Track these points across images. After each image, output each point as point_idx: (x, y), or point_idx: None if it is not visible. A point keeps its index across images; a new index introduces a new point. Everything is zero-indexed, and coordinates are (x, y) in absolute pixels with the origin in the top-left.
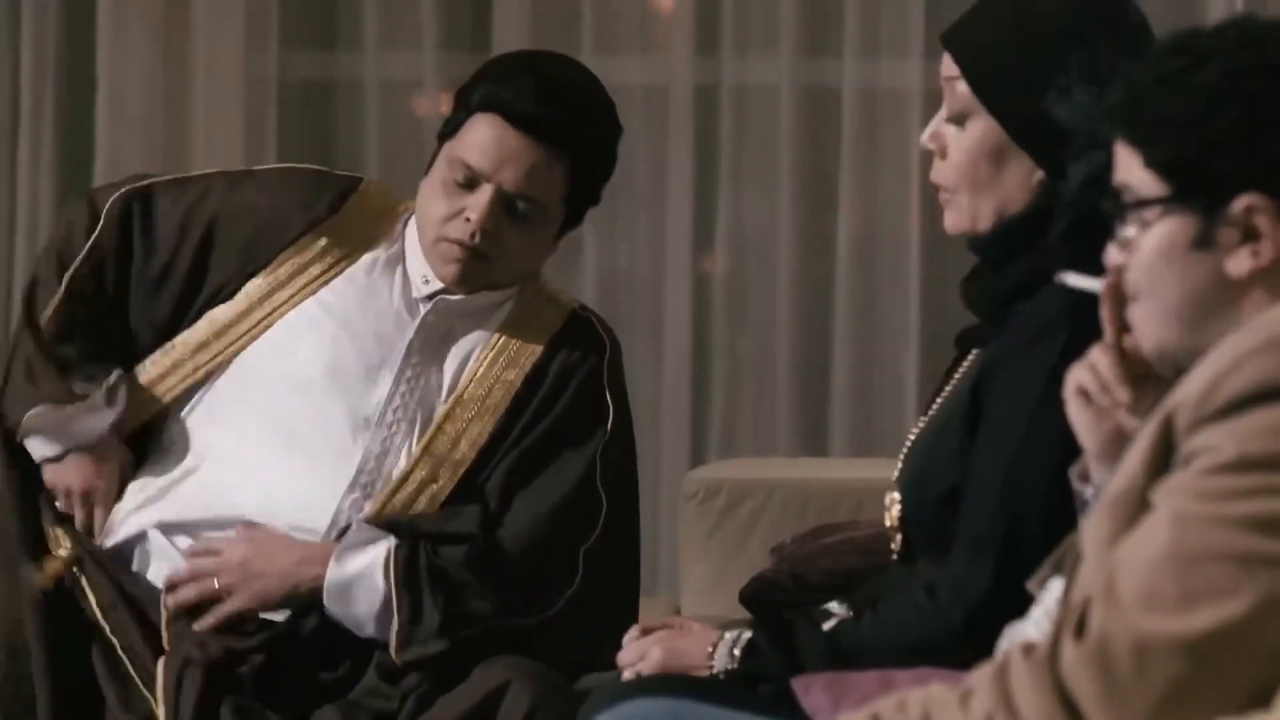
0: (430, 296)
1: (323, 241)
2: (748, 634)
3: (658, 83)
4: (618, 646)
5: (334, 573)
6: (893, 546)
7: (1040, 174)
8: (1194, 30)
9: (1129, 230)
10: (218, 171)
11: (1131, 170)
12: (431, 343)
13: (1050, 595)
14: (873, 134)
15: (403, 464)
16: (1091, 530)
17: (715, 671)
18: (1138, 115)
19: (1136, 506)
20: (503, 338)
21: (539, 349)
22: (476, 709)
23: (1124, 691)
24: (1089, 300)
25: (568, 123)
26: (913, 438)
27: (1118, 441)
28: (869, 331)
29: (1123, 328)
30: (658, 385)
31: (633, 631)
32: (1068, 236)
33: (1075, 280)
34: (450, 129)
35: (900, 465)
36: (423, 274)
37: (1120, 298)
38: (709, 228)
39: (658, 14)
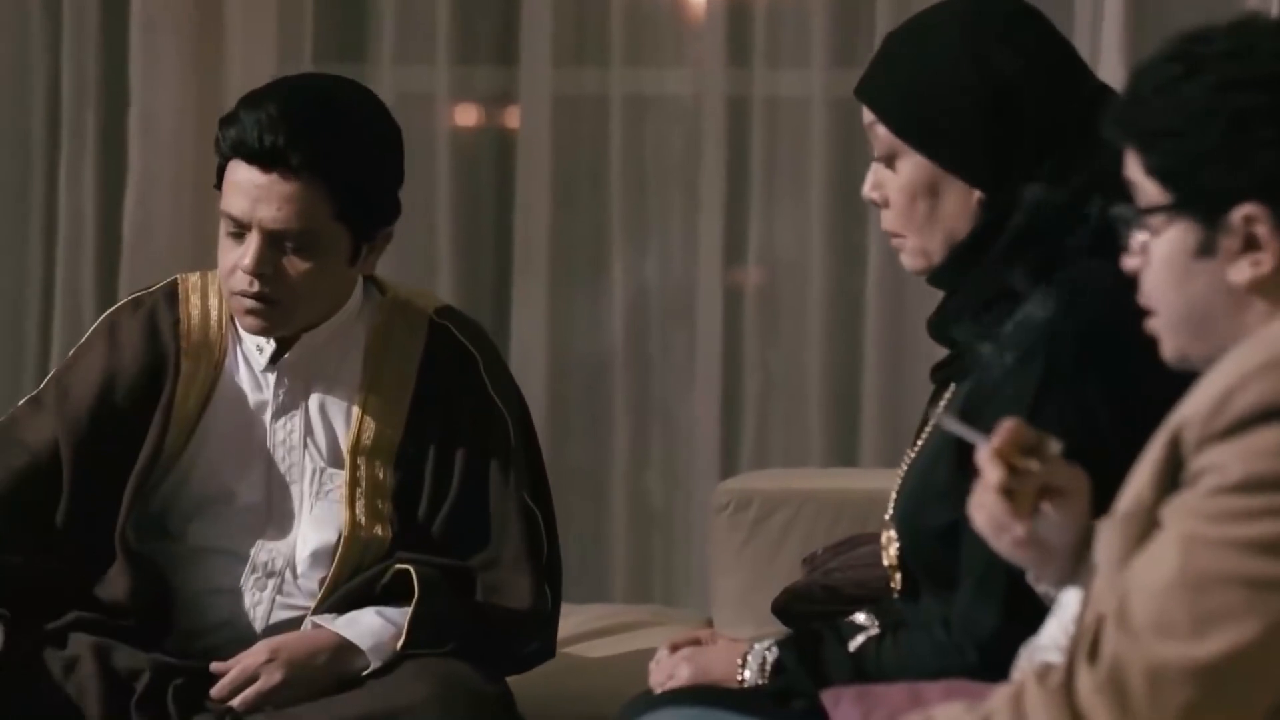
0: (274, 359)
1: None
2: (776, 651)
3: (689, 94)
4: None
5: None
6: (893, 585)
7: (978, 194)
8: (1196, 33)
9: (1142, 235)
10: (50, 378)
11: (1137, 176)
12: (293, 404)
13: (1065, 610)
14: None
15: (320, 529)
16: (1102, 548)
17: (745, 686)
18: (1137, 123)
19: (1146, 524)
20: (370, 377)
21: (411, 378)
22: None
23: (1138, 717)
24: (1064, 327)
25: (302, 144)
26: (902, 475)
27: (1022, 547)
28: (900, 342)
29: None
30: (689, 397)
31: (662, 650)
32: (1018, 244)
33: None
34: (218, 179)
35: (893, 503)
36: (255, 341)
37: (1007, 451)
38: (741, 240)
39: (689, 25)
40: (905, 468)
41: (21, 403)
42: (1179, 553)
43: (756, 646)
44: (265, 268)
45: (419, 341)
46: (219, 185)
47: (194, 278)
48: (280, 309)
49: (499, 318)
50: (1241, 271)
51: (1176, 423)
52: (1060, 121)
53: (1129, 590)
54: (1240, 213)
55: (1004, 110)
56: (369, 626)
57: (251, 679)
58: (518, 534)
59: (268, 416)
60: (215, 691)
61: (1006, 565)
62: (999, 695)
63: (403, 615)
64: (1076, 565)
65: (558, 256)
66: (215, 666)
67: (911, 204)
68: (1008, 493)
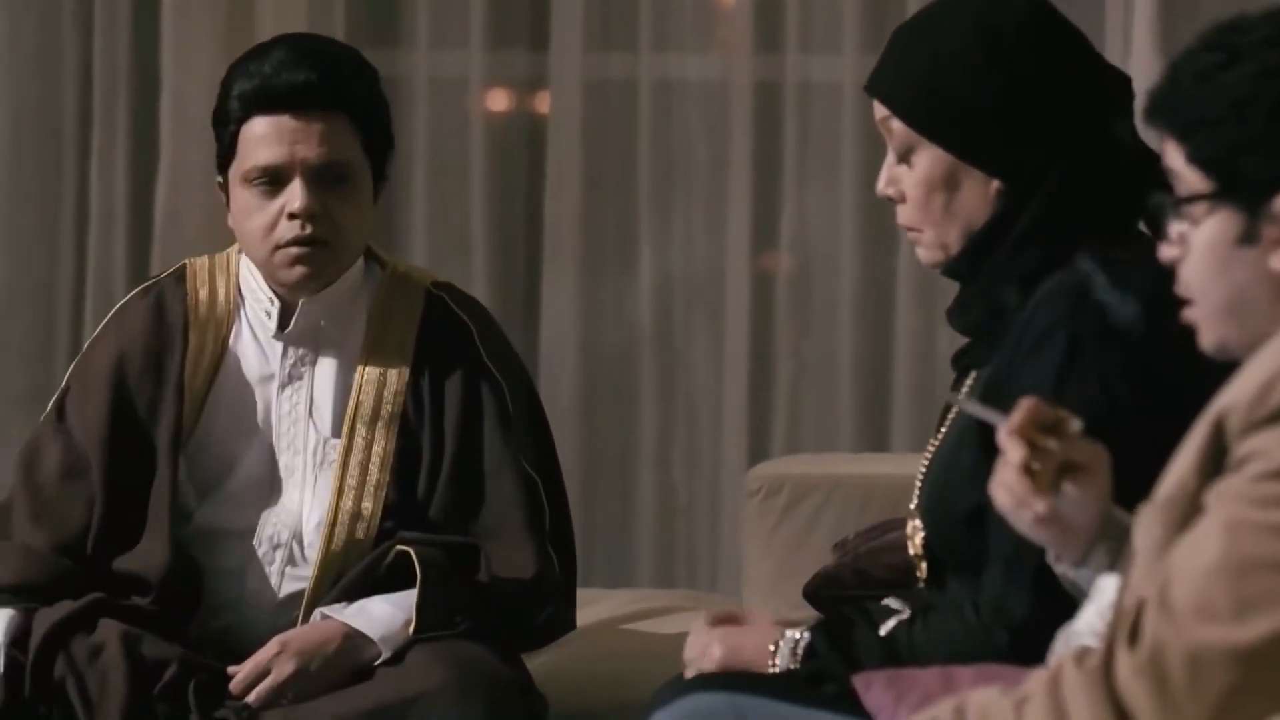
0: (282, 327)
1: (194, 344)
2: (808, 635)
3: (717, 80)
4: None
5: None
6: (919, 575)
7: (996, 183)
8: (1235, 21)
9: (1181, 225)
10: (70, 374)
11: (1177, 165)
12: (298, 376)
13: (1102, 596)
14: None
15: (322, 500)
16: (1143, 533)
17: (777, 670)
18: (1177, 112)
19: (1188, 509)
20: (370, 349)
21: (409, 349)
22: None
23: (1178, 701)
24: (1086, 299)
25: (324, 77)
26: (926, 462)
27: (1044, 524)
28: (931, 327)
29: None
30: (718, 384)
31: (699, 623)
32: (1035, 231)
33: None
34: (223, 155)
35: (917, 492)
36: (264, 309)
37: (1027, 429)
38: (772, 226)
39: (717, 10)
40: (928, 456)
41: (53, 402)
42: (1222, 537)
43: (790, 633)
44: (315, 207)
45: (416, 312)
46: (222, 167)
47: (202, 260)
48: (329, 250)
49: (530, 303)
50: None
51: (1219, 409)
52: (1076, 106)
53: (1171, 574)
54: None
55: (1019, 97)
56: (378, 615)
57: (264, 673)
58: (517, 502)
59: (274, 388)
60: (233, 687)
61: (1035, 547)
62: (1036, 678)
63: (411, 599)
64: (1096, 543)
65: (588, 242)
66: (231, 670)
67: (929, 197)
68: (1029, 471)
